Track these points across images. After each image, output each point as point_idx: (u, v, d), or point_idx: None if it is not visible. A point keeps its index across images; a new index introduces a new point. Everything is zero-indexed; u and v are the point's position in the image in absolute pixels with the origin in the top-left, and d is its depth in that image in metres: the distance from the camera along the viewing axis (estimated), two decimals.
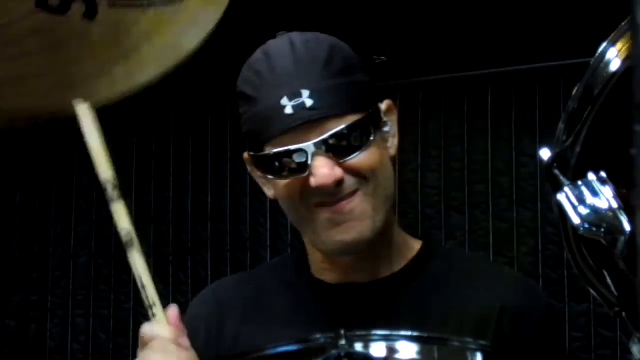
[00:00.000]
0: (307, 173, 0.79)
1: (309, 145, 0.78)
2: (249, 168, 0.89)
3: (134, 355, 0.78)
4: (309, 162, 0.78)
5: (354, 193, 0.81)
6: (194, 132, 2.27)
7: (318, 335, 0.59)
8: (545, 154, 0.58)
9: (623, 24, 0.52)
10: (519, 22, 2.00)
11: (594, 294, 0.60)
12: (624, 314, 0.56)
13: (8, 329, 2.32)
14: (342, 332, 0.55)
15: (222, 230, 2.21)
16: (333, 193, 0.80)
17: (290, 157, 0.79)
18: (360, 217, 0.81)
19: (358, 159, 0.80)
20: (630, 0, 0.27)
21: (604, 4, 1.33)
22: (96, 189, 2.38)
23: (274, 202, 0.91)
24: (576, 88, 0.56)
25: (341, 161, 0.79)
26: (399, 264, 0.88)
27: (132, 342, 2.14)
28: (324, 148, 0.78)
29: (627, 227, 0.49)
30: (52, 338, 2.31)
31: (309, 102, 0.78)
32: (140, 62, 0.58)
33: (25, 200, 2.34)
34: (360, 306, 0.85)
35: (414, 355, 0.61)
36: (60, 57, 0.49)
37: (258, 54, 0.84)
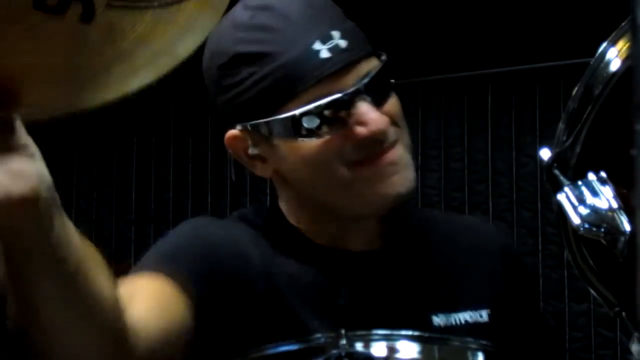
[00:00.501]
0: (348, 125, 0.71)
1: (351, 92, 0.71)
2: (239, 146, 0.77)
3: None
4: (353, 110, 0.71)
5: (394, 143, 0.74)
6: (194, 132, 2.27)
7: (319, 335, 0.59)
8: (545, 154, 0.58)
9: (623, 24, 0.52)
10: (519, 22, 2.00)
11: (594, 294, 0.60)
12: (624, 314, 0.56)
13: (8, 329, 2.32)
14: (343, 331, 0.55)
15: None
16: (380, 142, 0.73)
17: (329, 109, 0.71)
18: (406, 166, 0.75)
19: (392, 103, 0.75)
20: (630, 0, 0.28)
21: (604, 4, 1.33)
22: (96, 189, 2.38)
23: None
24: (576, 88, 0.56)
25: (380, 106, 0.73)
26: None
27: None
28: (365, 93, 0.71)
29: (627, 227, 0.49)
30: None
31: (343, 43, 0.71)
32: (134, 65, 0.58)
33: None
34: (369, 274, 0.78)
35: (415, 355, 0.61)
36: (55, 58, 0.49)
37: (247, 11, 0.74)
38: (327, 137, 0.72)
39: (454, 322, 0.77)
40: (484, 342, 0.65)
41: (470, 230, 0.88)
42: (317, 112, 0.71)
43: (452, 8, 2.05)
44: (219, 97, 0.76)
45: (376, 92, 0.73)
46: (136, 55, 0.59)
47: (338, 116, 0.71)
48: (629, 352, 0.54)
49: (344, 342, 0.54)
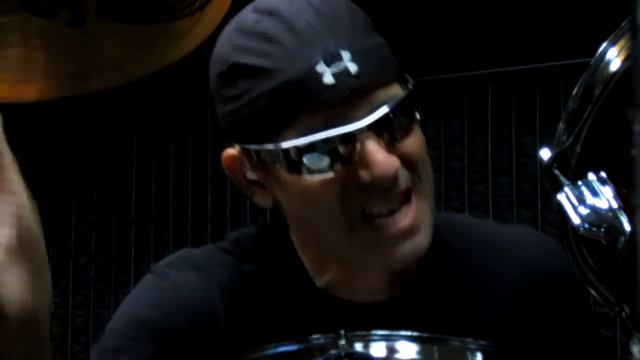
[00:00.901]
0: (353, 163, 0.61)
1: (358, 125, 0.59)
2: (236, 169, 0.67)
3: None
4: (358, 147, 0.60)
5: (408, 194, 0.63)
6: (194, 132, 2.27)
7: (318, 335, 0.57)
8: (545, 154, 0.57)
9: (623, 24, 0.52)
10: (519, 22, 2.00)
11: (594, 294, 0.60)
12: (624, 314, 0.56)
13: None
14: (342, 332, 0.55)
15: (222, 230, 2.21)
16: (387, 189, 0.62)
17: (330, 143, 0.60)
18: (421, 227, 0.64)
19: (412, 141, 0.64)
20: (630, 0, 0.27)
21: (604, 4, 1.33)
22: (96, 189, 2.39)
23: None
24: (576, 88, 0.56)
25: (392, 147, 0.62)
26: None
27: None
28: (375, 128, 0.60)
29: (627, 227, 0.49)
30: (52, 338, 2.31)
31: (352, 67, 0.59)
32: (116, 69, 0.58)
33: None
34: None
35: (414, 355, 0.61)
36: (43, 56, 0.50)
37: (254, 14, 0.64)
38: (327, 175, 0.61)
39: None
40: (483, 343, 0.62)
41: (505, 252, 0.73)
42: (316, 146, 0.60)
43: (452, 8, 2.04)
44: (218, 108, 0.68)
45: (392, 127, 0.61)
46: (119, 61, 0.59)
47: (341, 152, 0.61)
48: (629, 352, 0.54)
49: (343, 342, 0.54)
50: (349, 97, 0.60)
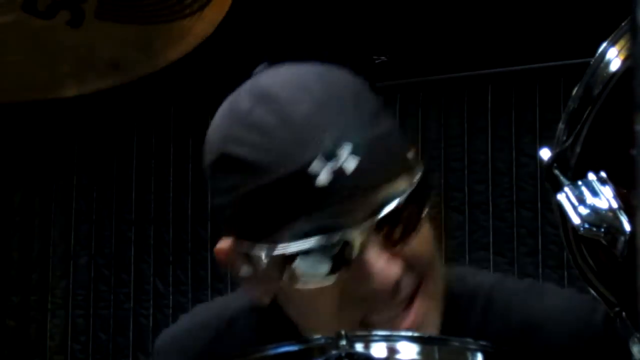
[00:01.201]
0: (350, 271, 0.55)
1: (355, 231, 0.53)
2: (226, 262, 0.61)
3: (134, 356, 0.77)
4: (354, 254, 0.54)
5: (413, 297, 0.58)
6: (194, 132, 2.27)
7: (318, 336, 0.55)
8: (545, 154, 0.57)
9: (623, 24, 0.52)
10: (519, 22, 2.00)
11: (594, 294, 0.60)
12: (624, 314, 0.56)
13: (8, 329, 2.32)
14: (343, 332, 0.54)
15: (222, 230, 2.21)
16: (389, 298, 0.56)
17: (327, 251, 0.54)
18: (427, 326, 0.59)
19: (417, 242, 0.58)
20: (630, 0, 0.27)
21: (604, 4, 1.33)
22: (96, 189, 2.38)
23: None
24: (576, 88, 0.56)
25: (395, 249, 0.56)
26: None
27: (132, 342, 2.15)
28: (375, 232, 0.54)
29: (627, 227, 0.49)
30: (52, 338, 2.31)
31: (351, 165, 0.52)
32: (115, 70, 0.59)
33: (25, 200, 2.35)
34: None
35: (415, 356, 0.60)
36: (38, 56, 0.51)
37: (249, 100, 0.58)
38: (324, 283, 0.56)
39: None
40: (484, 343, 0.59)
41: (533, 331, 0.65)
42: (310, 252, 0.54)
43: (451, 8, 2.04)
44: (211, 197, 0.64)
45: (394, 229, 0.55)
46: (115, 61, 0.60)
47: (339, 259, 0.54)
48: (630, 352, 0.54)
49: (343, 342, 0.53)
50: (347, 198, 0.53)
